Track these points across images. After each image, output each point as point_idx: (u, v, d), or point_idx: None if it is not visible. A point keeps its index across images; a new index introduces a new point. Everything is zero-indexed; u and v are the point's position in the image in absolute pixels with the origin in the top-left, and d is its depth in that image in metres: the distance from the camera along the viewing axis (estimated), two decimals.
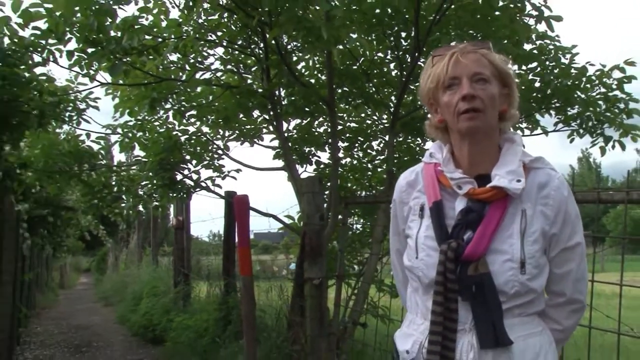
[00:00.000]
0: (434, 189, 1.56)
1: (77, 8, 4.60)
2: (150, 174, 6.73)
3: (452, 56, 1.52)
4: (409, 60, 5.42)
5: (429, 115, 1.69)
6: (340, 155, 6.09)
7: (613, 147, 5.68)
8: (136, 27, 5.01)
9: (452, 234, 1.50)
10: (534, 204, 1.49)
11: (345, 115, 6.60)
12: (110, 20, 4.82)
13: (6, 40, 4.11)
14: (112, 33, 4.89)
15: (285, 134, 6.17)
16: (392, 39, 5.64)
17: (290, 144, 6.22)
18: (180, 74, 6.18)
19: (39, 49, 4.69)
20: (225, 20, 5.75)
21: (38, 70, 4.68)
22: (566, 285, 1.54)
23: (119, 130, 6.82)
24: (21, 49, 4.26)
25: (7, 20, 4.25)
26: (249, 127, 6.74)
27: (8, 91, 3.88)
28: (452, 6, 4.93)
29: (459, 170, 1.55)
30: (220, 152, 6.87)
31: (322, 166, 6.51)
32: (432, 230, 1.54)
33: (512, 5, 4.96)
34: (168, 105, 6.40)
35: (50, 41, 4.80)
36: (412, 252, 1.58)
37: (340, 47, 5.40)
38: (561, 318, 1.58)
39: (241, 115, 6.40)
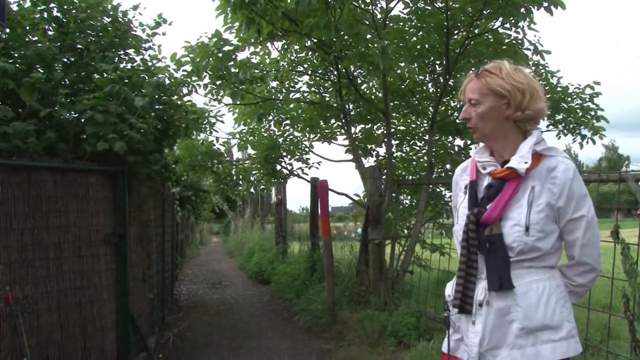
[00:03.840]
0: (472, 172, 1.54)
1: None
2: (258, 166, 7.01)
3: (464, 85, 1.53)
4: (442, 81, 5.39)
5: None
6: (393, 150, 6.12)
7: (587, 142, 5.79)
8: (248, 65, 5.29)
9: (479, 204, 1.46)
10: (543, 183, 1.41)
11: (396, 121, 6.58)
12: (231, 62, 5.11)
13: (166, 80, 4.43)
14: (233, 70, 5.18)
15: (353, 136, 6.27)
16: (429, 66, 5.63)
17: (356, 142, 6.30)
18: (279, 95, 6.41)
19: (186, 84, 5.07)
20: (310, 56, 5.93)
21: (185, 98, 5.02)
22: (575, 250, 1.46)
23: (237, 136, 7.16)
24: (175, 85, 4.59)
25: (167, 67, 4.64)
26: (327, 131, 6.85)
27: (167, 112, 4.13)
28: (472, 42, 4.95)
29: (490, 157, 1.50)
30: (307, 149, 7.04)
31: (380, 158, 6.54)
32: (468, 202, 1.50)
33: (514, 42, 5.04)
34: (270, 117, 6.64)
35: (193, 78, 5.18)
36: (456, 219, 1.57)
37: (392, 72, 5.44)
38: (573, 276, 1.49)
39: (321, 123, 6.54)
